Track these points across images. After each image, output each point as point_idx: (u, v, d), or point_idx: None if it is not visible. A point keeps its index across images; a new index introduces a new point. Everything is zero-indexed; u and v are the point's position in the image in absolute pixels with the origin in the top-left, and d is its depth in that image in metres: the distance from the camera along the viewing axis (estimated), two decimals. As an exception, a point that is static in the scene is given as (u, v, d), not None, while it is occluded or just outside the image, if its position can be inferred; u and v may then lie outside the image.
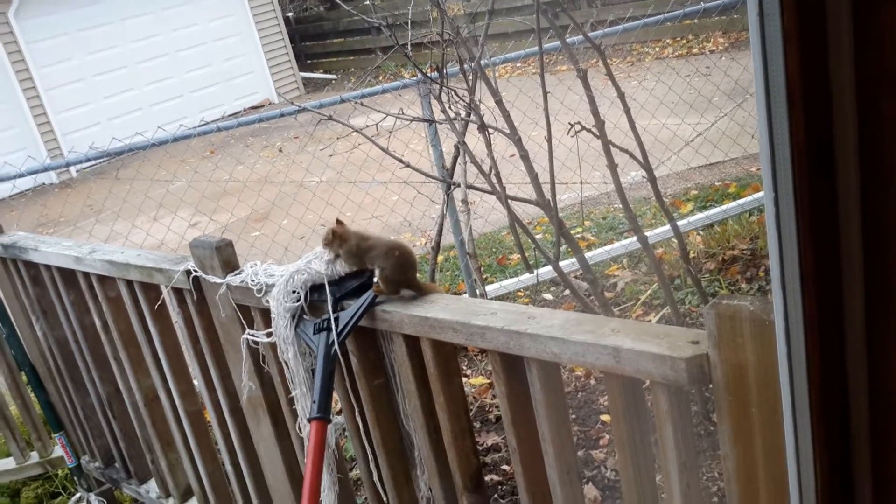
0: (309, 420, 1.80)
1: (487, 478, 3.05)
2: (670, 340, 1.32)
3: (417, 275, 1.85)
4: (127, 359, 2.69)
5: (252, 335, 2.11)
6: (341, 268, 1.93)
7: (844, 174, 0.84)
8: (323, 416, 1.79)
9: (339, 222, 1.91)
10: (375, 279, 1.85)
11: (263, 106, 12.71)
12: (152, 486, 3.01)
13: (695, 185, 5.75)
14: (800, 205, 0.85)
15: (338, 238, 1.89)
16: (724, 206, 4.81)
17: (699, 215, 4.83)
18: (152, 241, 4.96)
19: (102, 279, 2.60)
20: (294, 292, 1.94)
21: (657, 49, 10.57)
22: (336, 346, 1.82)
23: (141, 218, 5.52)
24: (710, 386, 1.28)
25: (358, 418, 1.99)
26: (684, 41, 10.64)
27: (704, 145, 5.50)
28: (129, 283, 2.48)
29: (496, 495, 2.95)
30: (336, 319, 1.85)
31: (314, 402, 1.79)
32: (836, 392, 0.91)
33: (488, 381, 3.64)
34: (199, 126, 4.41)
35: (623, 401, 1.41)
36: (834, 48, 0.80)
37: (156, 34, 11.98)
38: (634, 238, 4.37)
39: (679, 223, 3.80)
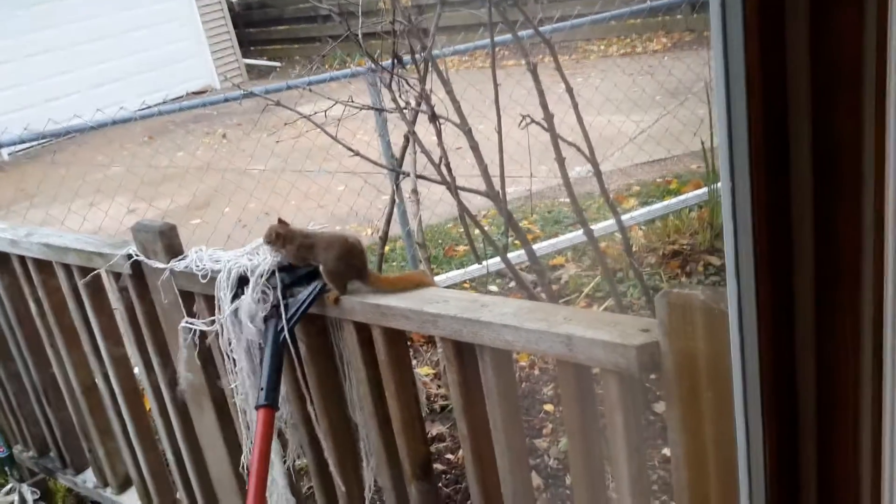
0: (256, 408, 1.77)
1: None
2: (621, 329, 1.34)
3: (369, 267, 1.83)
4: (64, 345, 2.62)
5: (190, 323, 2.06)
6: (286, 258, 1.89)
7: (798, 165, 0.86)
8: (271, 403, 1.77)
9: (281, 221, 1.85)
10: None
11: (206, 92, 12.45)
12: (89, 476, 2.93)
13: (637, 182, 5.85)
14: (755, 195, 0.87)
15: (281, 238, 1.83)
16: (665, 202, 4.90)
17: (641, 210, 4.92)
18: (89, 227, 4.82)
19: (39, 263, 2.52)
20: (241, 278, 1.90)
21: (602, 47, 10.70)
22: (285, 333, 1.80)
23: (77, 202, 5.36)
24: (659, 374, 1.31)
25: (308, 407, 1.97)
26: (628, 40, 10.80)
27: (648, 142, 5.59)
28: (68, 268, 2.41)
29: (440, 484, 2.96)
30: (285, 306, 1.82)
31: (262, 389, 1.77)
32: (785, 378, 0.93)
33: (433, 371, 3.64)
34: (141, 109, 4.30)
35: (575, 388, 1.42)
36: (792, 42, 0.82)
37: (95, 16, 11.61)
38: (579, 231, 4.44)
39: (622, 217, 3.86)
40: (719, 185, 0.92)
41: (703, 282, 4.02)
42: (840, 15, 0.80)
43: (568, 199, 3.24)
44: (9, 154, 10.29)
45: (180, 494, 2.58)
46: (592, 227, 4.50)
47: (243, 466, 2.08)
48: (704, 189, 4.72)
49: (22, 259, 2.56)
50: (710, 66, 0.92)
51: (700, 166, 5.27)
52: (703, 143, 4.35)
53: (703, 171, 4.88)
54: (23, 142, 4.10)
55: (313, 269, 1.85)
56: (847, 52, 0.81)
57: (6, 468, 3.26)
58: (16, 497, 3.21)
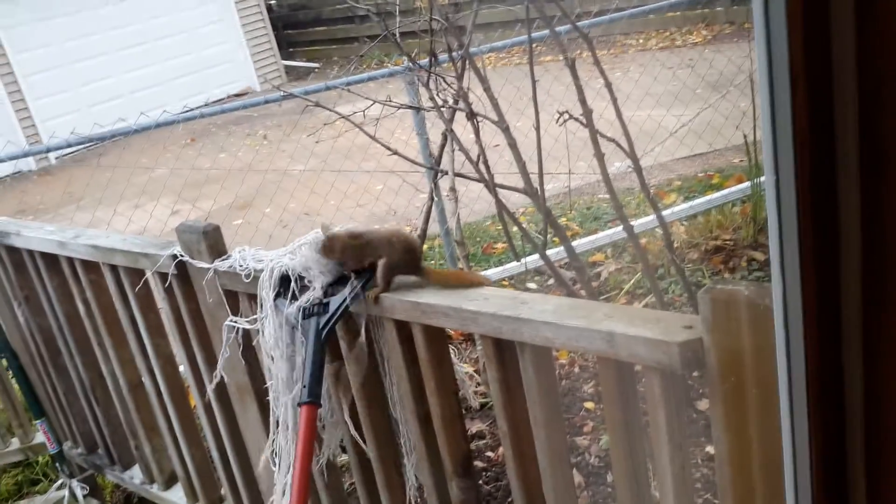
0: (299, 405, 1.79)
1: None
2: (663, 325, 1.32)
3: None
4: (111, 344, 2.67)
5: (235, 321, 2.09)
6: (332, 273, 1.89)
7: (844, 157, 0.84)
8: (313, 400, 1.79)
9: (329, 238, 1.85)
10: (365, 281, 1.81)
11: (246, 94, 12.61)
12: (136, 472, 2.99)
13: (678, 176, 5.78)
14: (800, 188, 0.86)
15: (337, 250, 1.83)
16: (707, 197, 4.84)
17: (683, 205, 4.86)
18: (135, 228, 4.92)
19: (86, 264, 2.58)
20: (283, 277, 1.93)
21: (641, 41, 10.60)
22: (326, 330, 1.82)
23: (123, 205, 5.47)
24: (702, 371, 1.29)
25: (347, 404, 1.99)
26: (668, 34, 10.68)
27: (689, 136, 5.53)
28: (114, 269, 2.46)
29: (481, 481, 2.96)
30: (326, 304, 1.84)
31: (304, 386, 1.79)
32: (832, 375, 0.92)
33: (473, 368, 3.64)
34: (183, 112, 4.37)
35: (616, 385, 1.41)
36: (837, 31, 0.81)
37: (135, 21, 11.83)
38: (618, 228, 4.40)
39: (663, 213, 3.82)
40: (762, 179, 0.91)
41: (746, 277, 3.95)
42: (888, 1, 0.78)
43: (607, 196, 3.22)
44: (56, 158, 10.54)
45: (225, 490, 2.62)
46: (632, 223, 4.47)
47: (269, 461, 2.09)
48: (747, 183, 4.64)
49: (70, 260, 2.62)
50: (752, 57, 0.91)
51: (742, 160, 5.19)
52: (745, 136, 4.28)
53: (745, 164, 4.80)
54: (69, 146, 4.19)
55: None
56: (894, 39, 0.79)
57: (57, 464, 3.34)
58: (66, 492, 3.29)
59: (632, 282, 4.11)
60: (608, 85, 3.05)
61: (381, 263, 1.77)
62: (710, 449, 2.76)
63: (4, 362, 3.27)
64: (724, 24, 10.38)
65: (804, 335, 0.91)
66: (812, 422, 0.94)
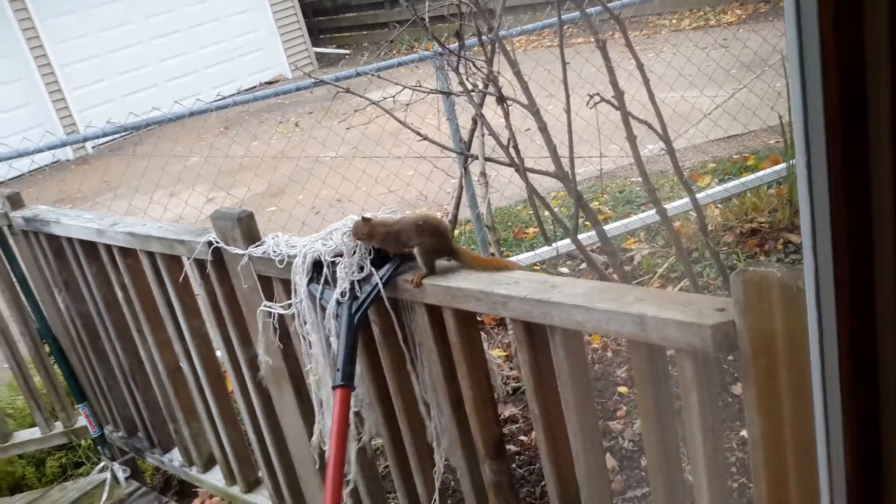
0: (333, 388, 1.82)
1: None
2: (695, 308, 1.32)
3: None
4: (149, 330, 2.72)
5: (269, 306, 2.12)
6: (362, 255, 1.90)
7: (877, 137, 0.83)
8: (347, 383, 1.81)
9: (364, 220, 1.87)
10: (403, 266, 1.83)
11: (277, 81, 12.68)
12: (175, 455, 3.05)
13: (712, 158, 5.71)
14: (832, 169, 0.85)
15: (373, 235, 1.85)
16: (742, 179, 4.78)
17: (717, 188, 4.80)
18: (170, 216, 4.99)
19: (124, 251, 2.63)
20: (316, 262, 1.95)
21: (673, 21, 10.46)
22: (359, 315, 1.84)
23: (159, 193, 5.55)
24: (735, 354, 1.29)
25: (380, 387, 2.01)
26: (701, 13, 10.52)
27: (723, 117, 5.45)
28: (151, 255, 2.50)
29: (514, 465, 2.98)
30: (360, 289, 1.86)
31: (338, 370, 1.81)
32: (865, 357, 0.91)
33: (505, 353, 3.66)
34: (216, 100, 4.41)
35: (648, 368, 1.41)
36: (869, 10, 0.79)
37: (169, 10, 11.94)
38: (651, 211, 4.36)
39: (697, 196, 3.78)
40: (797, 160, 0.89)
41: (782, 260, 3.91)
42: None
43: (640, 179, 3.19)
44: (93, 147, 10.70)
45: (262, 472, 2.67)
46: (666, 206, 4.43)
47: (316, 445, 2.13)
48: (783, 165, 4.58)
49: (108, 248, 2.67)
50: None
51: (778, 141, 5.11)
52: (780, 116, 4.22)
53: (781, 145, 4.73)
54: (105, 135, 4.26)
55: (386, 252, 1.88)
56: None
57: (99, 447, 3.42)
58: (108, 475, 3.36)
59: (665, 265, 4.08)
60: (640, 66, 3.02)
61: (418, 251, 1.78)
62: (745, 433, 2.74)
63: (47, 348, 3.35)
64: (759, 3, 10.20)
65: (837, 317, 0.90)
66: (845, 404, 0.94)
